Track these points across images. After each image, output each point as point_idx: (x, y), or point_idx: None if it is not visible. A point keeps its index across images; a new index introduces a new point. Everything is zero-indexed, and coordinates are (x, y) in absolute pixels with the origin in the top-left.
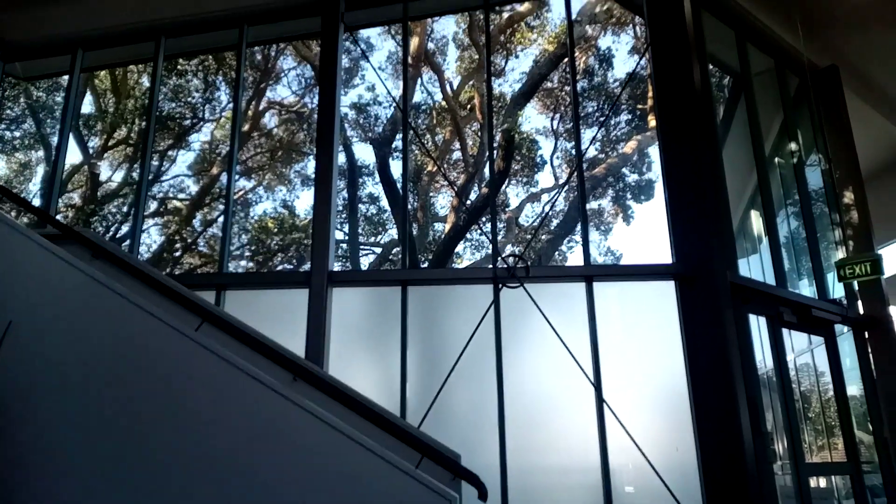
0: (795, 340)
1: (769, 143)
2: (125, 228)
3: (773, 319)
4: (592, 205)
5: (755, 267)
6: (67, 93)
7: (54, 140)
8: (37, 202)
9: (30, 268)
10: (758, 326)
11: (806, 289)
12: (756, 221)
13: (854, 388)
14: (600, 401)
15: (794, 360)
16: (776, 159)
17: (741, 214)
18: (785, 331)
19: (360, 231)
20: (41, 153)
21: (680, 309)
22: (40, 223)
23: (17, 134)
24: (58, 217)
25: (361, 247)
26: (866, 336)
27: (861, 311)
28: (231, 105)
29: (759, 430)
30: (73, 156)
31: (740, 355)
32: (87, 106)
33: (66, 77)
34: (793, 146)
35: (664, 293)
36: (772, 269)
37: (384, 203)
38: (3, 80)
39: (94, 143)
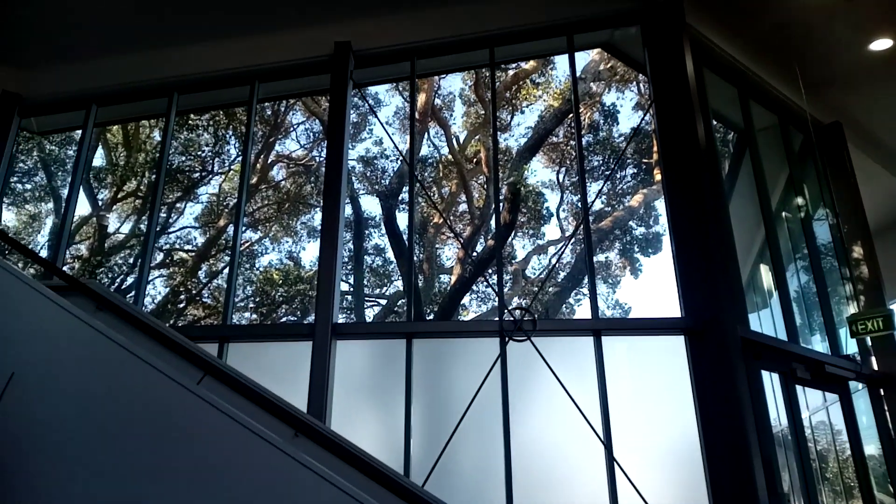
0: (810, 398)
1: (776, 197)
2: (130, 279)
3: (786, 376)
4: (600, 257)
5: (766, 322)
6: (80, 147)
7: (64, 192)
8: (44, 253)
9: (34, 319)
10: (770, 383)
11: (818, 344)
12: (765, 276)
13: (872, 447)
14: (611, 459)
15: (810, 418)
16: (783, 213)
17: (750, 268)
18: (799, 388)
19: (365, 283)
20: (51, 205)
21: (690, 364)
22: (47, 274)
23: (28, 186)
24: (64, 268)
25: (367, 298)
26: (882, 393)
27: (875, 367)
28: (240, 158)
29: (774, 491)
30: (83, 208)
31: (754, 413)
32: (99, 159)
33: (79, 131)
34: (799, 201)
35: (674, 348)
36: (783, 324)
37: (390, 255)
38: (18, 134)
39: (104, 195)
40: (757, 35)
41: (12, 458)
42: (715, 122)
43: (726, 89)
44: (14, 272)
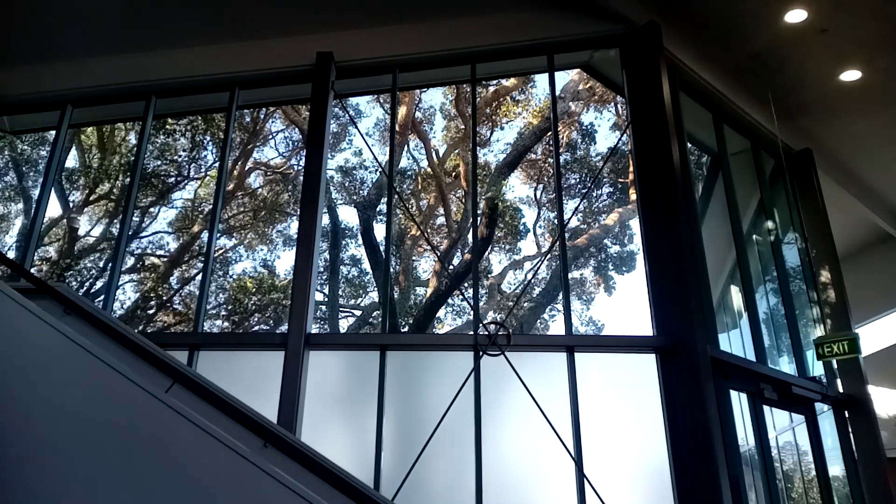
0: (777, 418)
1: (747, 220)
2: (100, 283)
3: (753, 396)
4: (574, 274)
5: (735, 342)
6: (53, 147)
7: (35, 193)
8: (12, 255)
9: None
10: (739, 403)
11: (786, 366)
12: (736, 297)
13: (837, 468)
14: (581, 475)
15: (776, 439)
16: (754, 236)
17: (721, 289)
18: (766, 408)
19: (340, 293)
20: (20, 206)
21: (661, 382)
22: (13, 276)
23: None
24: (32, 270)
25: (341, 309)
26: (846, 415)
27: (840, 389)
28: (217, 164)
29: None
30: (53, 209)
31: (722, 432)
32: (72, 160)
33: (52, 132)
34: (770, 224)
35: (646, 365)
36: (752, 345)
37: (366, 265)
38: None
39: (76, 197)
40: (732, 62)
41: None
42: (689, 145)
43: (701, 113)
44: None
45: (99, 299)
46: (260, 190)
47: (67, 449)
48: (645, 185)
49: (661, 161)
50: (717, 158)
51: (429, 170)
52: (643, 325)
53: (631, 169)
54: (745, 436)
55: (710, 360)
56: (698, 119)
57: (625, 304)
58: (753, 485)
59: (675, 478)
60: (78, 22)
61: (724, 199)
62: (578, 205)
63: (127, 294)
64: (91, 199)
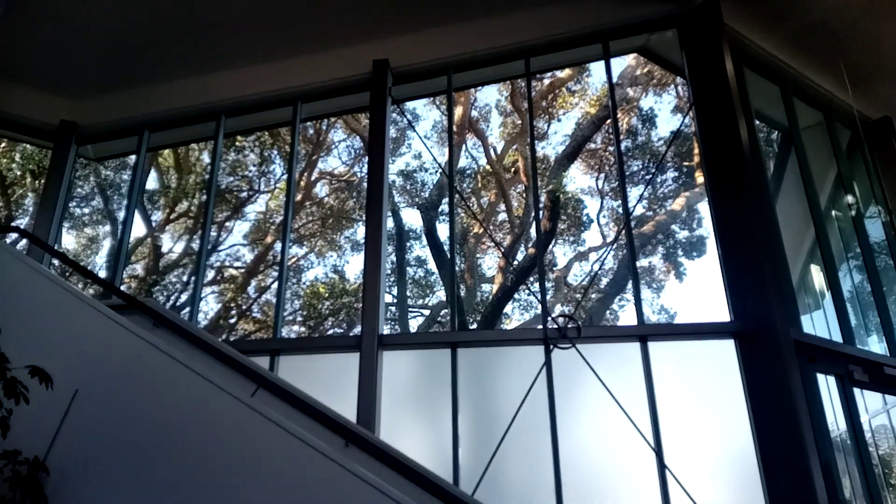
0: (868, 401)
1: (824, 195)
2: (184, 297)
3: (842, 379)
4: (643, 262)
5: (819, 324)
6: (134, 171)
7: (120, 215)
8: (103, 274)
9: (96, 337)
10: (826, 387)
11: (876, 345)
12: (817, 276)
13: None
14: (662, 466)
15: (870, 422)
16: (833, 212)
17: (800, 269)
18: (856, 390)
19: (408, 294)
20: (108, 228)
21: (742, 369)
22: (106, 294)
23: (86, 210)
24: (122, 287)
25: (410, 309)
26: None
27: None
28: (285, 177)
29: (836, 498)
30: (138, 229)
31: (810, 417)
32: (152, 182)
33: (132, 156)
34: (849, 198)
35: (724, 352)
36: (837, 326)
37: (431, 266)
38: (75, 161)
39: (157, 216)
40: (798, 31)
41: (76, 471)
42: (758, 122)
43: (768, 88)
44: (77, 293)
45: (184, 311)
46: (326, 198)
47: (162, 453)
48: (713, 167)
49: (729, 141)
50: (788, 134)
51: (488, 167)
52: (719, 311)
53: (696, 151)
54: (834, 420)
55: (794, 344)
56: (766, 94)
57: (697, 290)
58: (847, 471)
59: (762, 466)
60: (148, 50)
61: (799, 175)
62: (643, 192)
63: (209, 305)
64: (171, 217)
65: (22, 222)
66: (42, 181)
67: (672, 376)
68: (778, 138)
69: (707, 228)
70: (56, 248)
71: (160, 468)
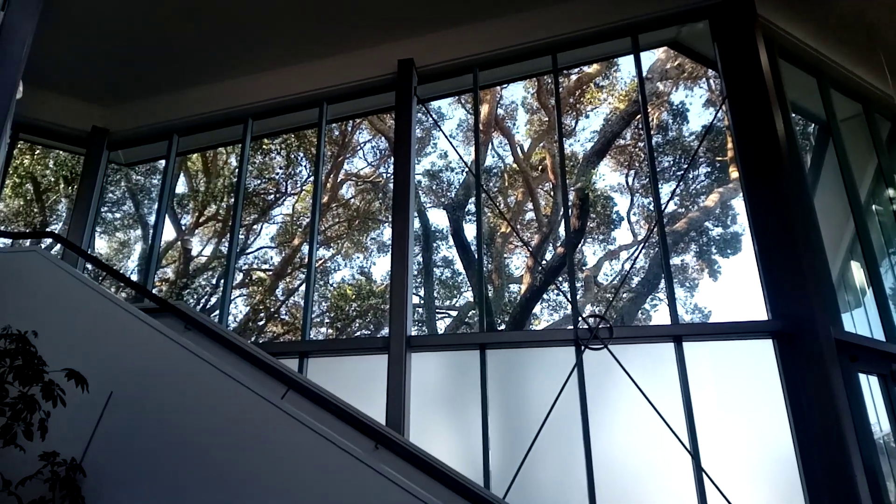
0: None
1: (864, 189)
2: (214, 299)
3: (885, 378)
4: (675, 260)
5: (860, 322)
6: (164, 176)
7: (151, 219)
8: (134, 277)
9: (130, 340)
10: (868, 387)
11: None
12: (857, 273)
13: None
14: (699, 469)
15: None
16: (873, 206)
17: (840, 266)
18: None
19: (435, 295)
20: (139, 232)
21: (781, 369)
22: (138, 297)
23: (117, 215)
24: (153, 290)
25: (437, 310)
26: None
27: None
28: (311, 179)
29: (881, 502)
30: (168, 233)
31: (852, 419)
32: (181, 186)
33: (162, 161)
34: (891, 192)
35: (761, 352)
36: (880, 324)
37: (459, 266)
38: (107, 166)
39: (187, 220)
40: (834, 21)
41: (112, 472)
42: (793, 115)
43: (804, 80)
44: (110, 297)
45: (214, 314)
46: (352, 200)
47: (193, 453)
48: (747, 162)
49: (764, 134)
50: (825, 126)
51: (514, 166)
52: (755, 310)
53: (729, 146)
54: (877, 422)
55: (835, 343)
56: (802, 86)
57: (732, 288)
58: (892, 474)
59: (802, 469)
60: (177, 56)
61: (837, 168)
62: (675, 188)
63: (238, 308)
64: (200, 220)
65: (56, 227)
66: (75, 187)
67: (708, 377)
68: (815, 131)
69: (742, 225)
70: (89, 252)
71: (193, 469)
